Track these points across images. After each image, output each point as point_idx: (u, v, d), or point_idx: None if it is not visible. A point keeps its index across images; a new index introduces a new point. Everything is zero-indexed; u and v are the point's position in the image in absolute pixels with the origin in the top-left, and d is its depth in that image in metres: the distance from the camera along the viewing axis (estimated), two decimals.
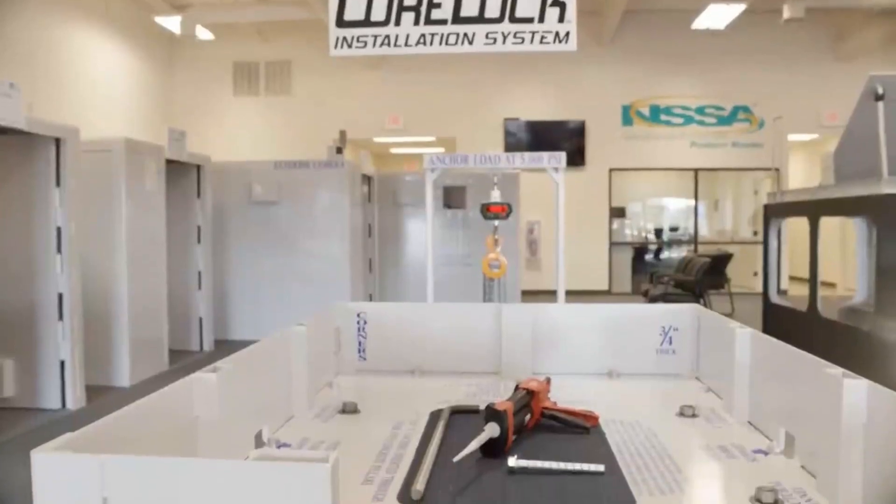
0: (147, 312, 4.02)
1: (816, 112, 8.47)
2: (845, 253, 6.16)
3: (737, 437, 0.93)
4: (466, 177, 6.32)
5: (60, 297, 3.30)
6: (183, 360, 4.32)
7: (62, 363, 3.26)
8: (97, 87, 7.73)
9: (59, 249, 3.32)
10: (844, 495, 0.68)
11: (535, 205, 7.84)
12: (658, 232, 9.55)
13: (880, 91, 3.01)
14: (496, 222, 3.65)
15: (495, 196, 3.84)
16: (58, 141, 3.33)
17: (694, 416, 1.02)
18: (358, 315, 1.43)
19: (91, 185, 3.71)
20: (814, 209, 3.80)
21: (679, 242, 9.49)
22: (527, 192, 6.76)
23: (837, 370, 0.78)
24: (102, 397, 3.47)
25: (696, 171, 9.22)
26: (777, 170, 7.46)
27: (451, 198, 6.33)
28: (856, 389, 0.72)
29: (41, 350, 3.27)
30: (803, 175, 9.28)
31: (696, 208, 9.43)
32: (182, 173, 4.85)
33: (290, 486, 0.50)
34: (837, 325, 2.91)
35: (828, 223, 3.84)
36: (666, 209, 9.93)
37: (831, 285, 7.07)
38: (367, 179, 6.26)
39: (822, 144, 8.58)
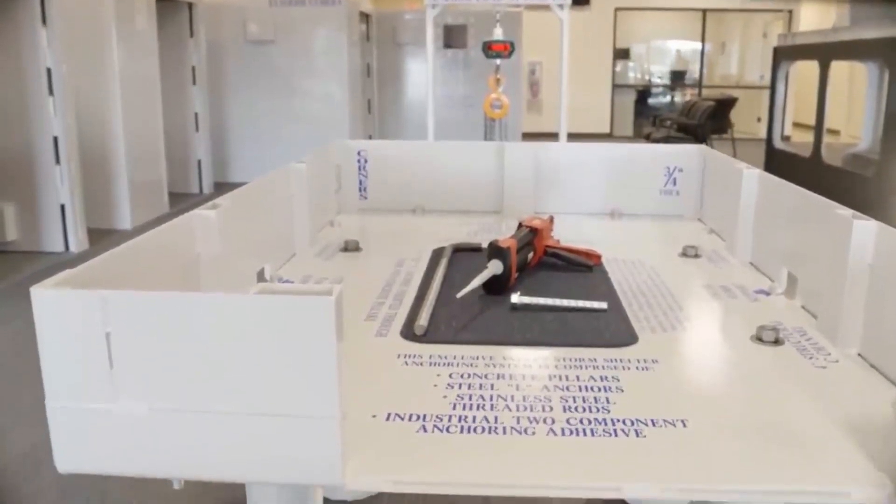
0: (145, 155, 3.90)
1: None
2: (852, 100, 5.87)
3: (739, 278, 0.90)
4: (468, 15, 5.81)
5: (56, 140, 3.14)
6: (183, 203, 4.30)
7: (62, 207, 3.20)
8: None
9: (50, 91, 3.10)
10: (844, 335, 0.67)
11: (538, 45, 7.29)
12: (662, 75, 9.02)
13: None
14: (498, 61, 3.38)
15: (497, 34, 3.50)
16: None
17: (696, 256, 0.99)
18: (358, 153, 1.34)
19: (79, 26, 3.39)
20: (825, 52, 3.53)
21: (683, 86, 9.01)
22: (529, 32, 6.24)
23: (847, 211, 0.73)
24: (105, 240, 3.46)
25: (704, 11, 8.42)
26: (790, 11, 6.80)
27: (452, 37, 5.88)
28: (865, 230, 0.68)
29: (41, 194, 3.19)
30: (817, 18, 8.51)
31: (702, 51, 8.80)
32: (173, 12, 4.42)
33: (294, 320, 0.47)
34: (841, 172, 2.84)
35: (836, 69, 3.60)
36: (671, 52, 9.29)
37: (835, 132, 6.88)
38: (366, 18, 5.73)
39: None
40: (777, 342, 0.67)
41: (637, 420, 0.51)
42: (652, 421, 0.51)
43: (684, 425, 0.51)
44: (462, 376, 0.59)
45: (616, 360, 0.63)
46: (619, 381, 0.59)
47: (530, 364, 0.63)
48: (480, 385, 0.57)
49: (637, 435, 0.49)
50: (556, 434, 0.49)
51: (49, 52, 3.07)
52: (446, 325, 0.73)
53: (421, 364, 0.63)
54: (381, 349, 0.67)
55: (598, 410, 0.53)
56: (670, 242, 1.05)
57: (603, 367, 0.61)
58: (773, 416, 0.54)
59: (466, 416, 0.52)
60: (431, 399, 0.55)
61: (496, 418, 0.51)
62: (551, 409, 0.53)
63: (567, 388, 0.57)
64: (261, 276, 0.86)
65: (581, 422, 0.51)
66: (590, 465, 0.48)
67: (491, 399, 0.55)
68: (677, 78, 9.10)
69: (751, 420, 0.54)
